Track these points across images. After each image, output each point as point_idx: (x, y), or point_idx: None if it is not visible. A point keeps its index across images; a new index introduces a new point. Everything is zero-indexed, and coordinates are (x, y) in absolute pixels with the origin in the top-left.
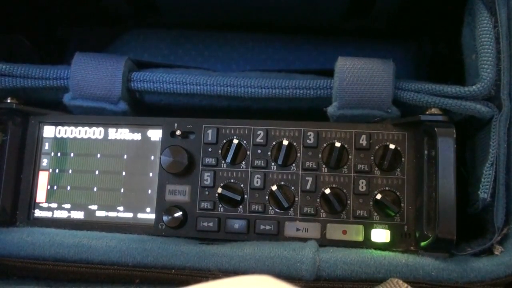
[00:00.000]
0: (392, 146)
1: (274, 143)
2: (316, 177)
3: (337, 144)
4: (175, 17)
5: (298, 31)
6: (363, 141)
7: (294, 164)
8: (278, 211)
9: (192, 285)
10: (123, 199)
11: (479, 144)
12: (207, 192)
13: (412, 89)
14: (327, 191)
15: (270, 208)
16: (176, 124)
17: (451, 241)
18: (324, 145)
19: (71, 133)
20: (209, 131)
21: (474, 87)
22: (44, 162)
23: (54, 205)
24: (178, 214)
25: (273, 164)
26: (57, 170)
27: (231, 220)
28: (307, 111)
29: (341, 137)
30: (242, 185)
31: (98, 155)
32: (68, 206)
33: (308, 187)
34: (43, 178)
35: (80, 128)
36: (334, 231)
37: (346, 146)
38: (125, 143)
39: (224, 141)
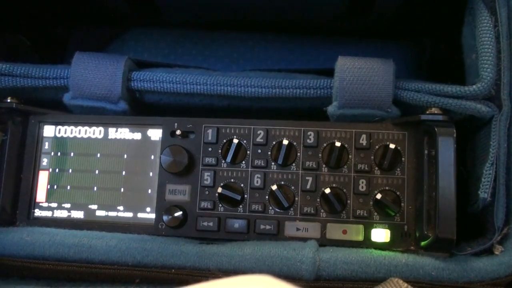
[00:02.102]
0: (392, 146)
1: (274, 142)
2: (316, 177)
3: (337, 144)
4: (175, 17)
5: (298, 31)
6: (363, 140)
7: (294, 164)
8: (278, 210)
9: (192, 284)
10: (123, 199)
11: (479, 144)
12: (207, 192)
13: (412, 88)
14: (327, 190)
15: (270, 207)
16: (176, 124)
17: (451, 240)
18: (324, 144)
19: (71, 133)
20: (209, 131)
21: (474, 86)
22: (44, 161)
23: (54, 204)
24: (178, 213)
25: (273, 163)
26: (57, 170)
27: (231, 220)
28: (307, 110)
29: (341, 136)
30: (242, 185)
31: (98, 155)
32: (68, 205)
33: (308, 186)
34: (43, 178)
35: (80, 127)
36: (334, 231)
37: (346, 145)
38: (125, 142)
39: (224, 140)
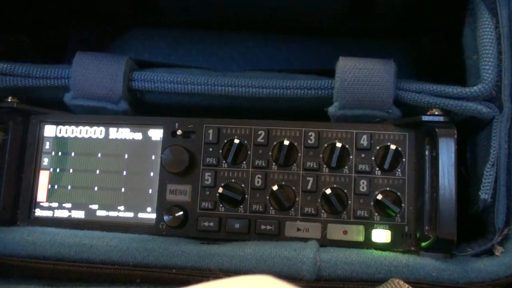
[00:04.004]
0: (393, 147)
1: (275, 143)
2: (317, 177)
3: (338, 144)
4: (176, 17)
5: (299, 31)
6: (364, 141)
7: (295, 164)
8: (279, 211)
9: (193, 285)
10: (124, 199)
11: (480, 145)
12: (208, 192)
13: (413, 89)
14: (328, 191)
15: (271, 208)
16: (177, 124)
17: (451, 241)
18: (325, 145)
19: (72, 133)
20: (210, 131)
21: (475, 87)
22: (45, 161)
23: (54, 204)
24: (179, 213)
25: (274, 164)
26: (57, 170)
27: (232, 220)
28: (308, 111)
29: (342, 137)
30: (243, 185)
31: (99, 155)
32: (68, 205)
33: (309, 187)
34: (43, 178)
35: (81, 127)
36: (335, 231)
37: (347, 146)
38: (126, 142)
39: (225, 141)
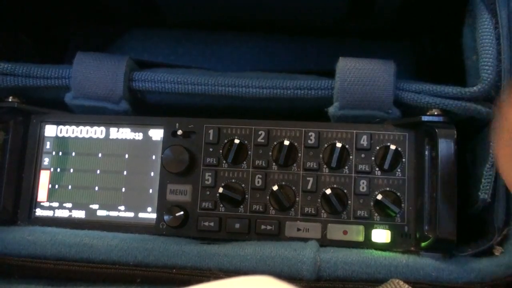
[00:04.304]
0: (393, 147)
1: (275, 143)
2: (317, 177)
3: (338, 145)
4: (176, 17)
5: (299, 31)
6: (364, 141)
7: (295, 164)
8: (279, 211)
9: (193, 285)
10: (124, 199)
11: (479, 145)
12: (208, 192)
13: (413, 89)
14: (328, 191)
15: (271, 208)
16: (177, 124)
17: (451, 241)
18: (325, 145)
19: (73, 132)
20: (211, 131)
21: (474, 88)
22: (46, 161)
23: (55, 204)
24: (179, 213)
25: (274, 164)
26: (58, 169)
27: (232, 220)
28: (308, 111)
29: (342, 137)
30: (243, 185)
31: (100, 155)
32: (69, 205)
33: (309, 187)
34: (44, 177)
35: (81, 127)
36: (335, 231)
37: (347, 146)
38: (126, 142)
39: (225, 141)
